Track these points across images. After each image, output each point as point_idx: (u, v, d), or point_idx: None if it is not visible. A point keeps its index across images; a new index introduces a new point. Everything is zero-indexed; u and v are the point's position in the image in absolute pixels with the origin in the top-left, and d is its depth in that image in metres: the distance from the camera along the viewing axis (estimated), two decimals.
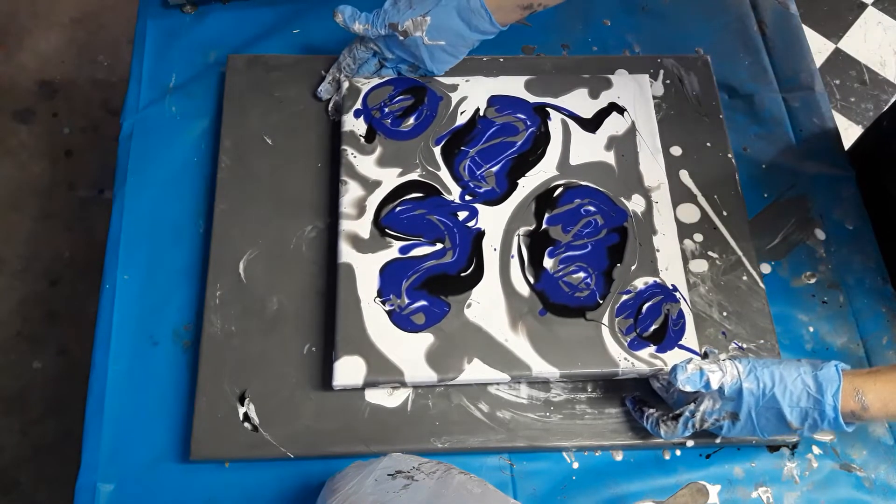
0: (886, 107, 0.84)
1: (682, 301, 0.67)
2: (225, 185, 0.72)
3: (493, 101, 0.75)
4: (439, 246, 0.67)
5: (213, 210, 0.71)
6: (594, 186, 0.71)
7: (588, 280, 0.67)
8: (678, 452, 0.66)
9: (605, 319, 0.66)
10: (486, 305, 0.65)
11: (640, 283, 0.67)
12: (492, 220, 0.69)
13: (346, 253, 0.67)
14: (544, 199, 0.70)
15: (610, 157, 0.73)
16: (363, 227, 0.68)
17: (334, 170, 0.73)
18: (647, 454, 0.66)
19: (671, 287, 0.67)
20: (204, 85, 0.79)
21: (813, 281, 0.74)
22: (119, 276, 0.70)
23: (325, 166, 0.74)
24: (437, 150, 0.72)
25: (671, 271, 0.68)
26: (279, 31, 0.83)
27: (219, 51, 0.81)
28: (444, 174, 0.71)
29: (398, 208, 0.69)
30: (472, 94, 0.75)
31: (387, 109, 0.73)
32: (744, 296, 0.70)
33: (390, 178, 0.70)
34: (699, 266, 0.71)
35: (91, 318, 0.68)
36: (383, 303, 0.65)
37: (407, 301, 0.65)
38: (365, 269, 0.66)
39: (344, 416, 0.63)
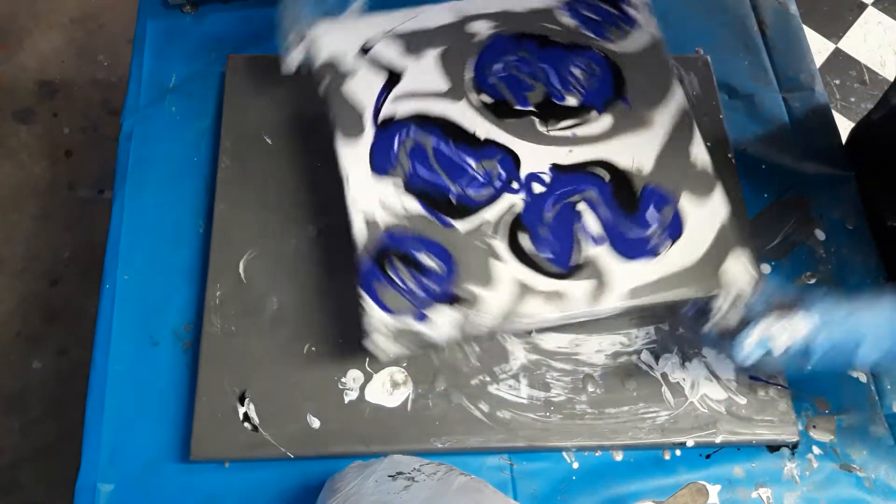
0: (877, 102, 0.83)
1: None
2: (225, 185, 0.72)
3: None
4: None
5: (213, 210, 0.71)
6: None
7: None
8: (678, 452, 0.66)
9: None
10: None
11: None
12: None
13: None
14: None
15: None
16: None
17: (334, 170, 0.73)
18: (647, 454, 0.66)
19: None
20: (204, 85, 0.79)
21: (813, 281, 0.74)
22: (119, 276, 0.70)
23: (325, 166, 0.73)
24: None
25: None
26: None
27: (219, 51, 0.81)
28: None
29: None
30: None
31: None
32: None
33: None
34: None
35: (91, 318, 0.68)
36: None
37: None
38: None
39: (344, 416, 0.63)
